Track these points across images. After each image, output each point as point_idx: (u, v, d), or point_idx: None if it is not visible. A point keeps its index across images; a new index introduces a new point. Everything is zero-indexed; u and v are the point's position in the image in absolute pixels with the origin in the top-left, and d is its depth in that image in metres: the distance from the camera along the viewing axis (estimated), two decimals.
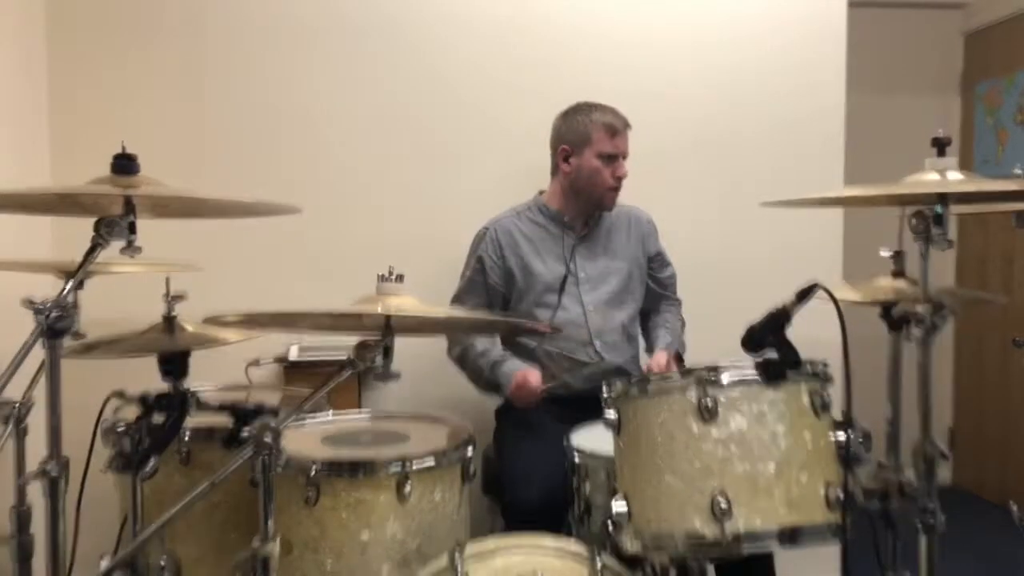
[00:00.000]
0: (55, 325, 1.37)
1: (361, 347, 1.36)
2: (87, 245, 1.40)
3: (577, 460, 1.80)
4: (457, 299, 2.35)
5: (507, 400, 2.24)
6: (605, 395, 1.51)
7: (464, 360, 2.32)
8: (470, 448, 1.77)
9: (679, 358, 2.27)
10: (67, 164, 2.54)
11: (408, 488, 1.62)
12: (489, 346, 2.30)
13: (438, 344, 2.41)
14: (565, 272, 2.30)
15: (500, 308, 2.34)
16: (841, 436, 1.41)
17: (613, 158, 2.26)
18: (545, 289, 2.30)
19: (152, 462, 1.54)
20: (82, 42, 2.59)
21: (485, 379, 2.27)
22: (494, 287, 2.33)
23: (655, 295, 2.46)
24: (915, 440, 1.53)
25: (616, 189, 2.29)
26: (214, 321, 1.54)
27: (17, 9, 2.44)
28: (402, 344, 1.41)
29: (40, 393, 1.51)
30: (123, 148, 1.50)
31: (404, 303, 1.40)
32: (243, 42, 2.64)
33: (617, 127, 2.27)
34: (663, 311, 2.47)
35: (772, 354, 1.41)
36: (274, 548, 1.31)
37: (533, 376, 2.15)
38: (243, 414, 1.47)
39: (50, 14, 2.57)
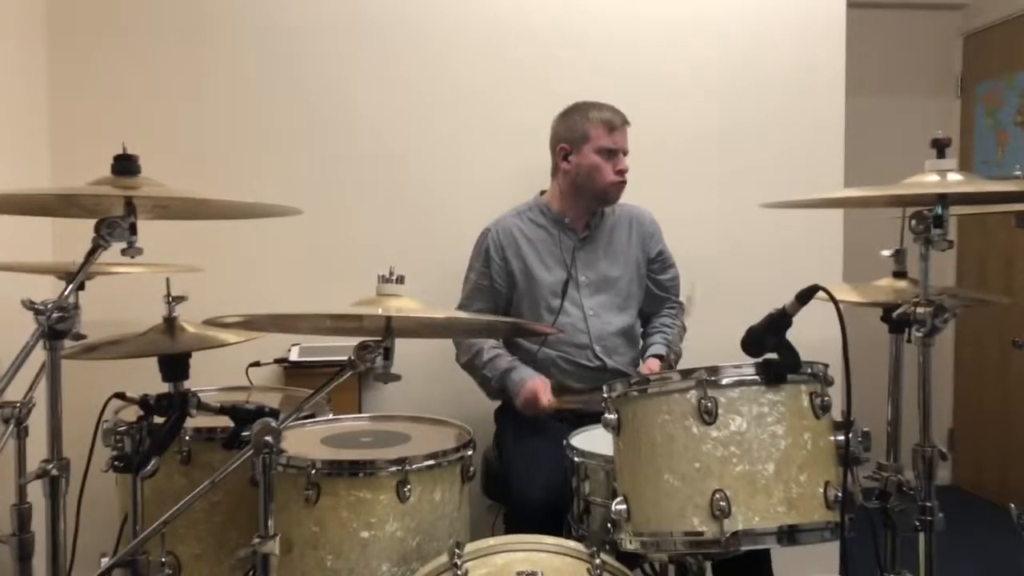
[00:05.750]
0: (56, 326, 1.37)
1: (361, 348, 1.36)
2: (88, 246, 1.41)
3: (577, 460, 1.80)
4: (464, 305, 2.34)
5: (514, 407, 2.23)
6: (605, 396, 1.52)
7: (473, 367, 2.31)
8: (470, 449, 1.77)
9: (670, 368, 2.25)
10: (67, 165, 2.54)
11: (408, 488, 1.62)
12: (497, 352, 2.27)
13: (438, 345, 2.41)
14: (566, 276, 2.30)
15: (503, 310, 2.34)
16: (841, 437, 1.42)
17: (613, 153, 2.26)
18: (546, 293, 2.30)
19: (152, 463, 1.54)
20: (82, 42, 2.59)
21: (493, 387, 2.27)
22: (498, 290, 2.32)
23: (656, 298, 2.45)
24: (915, 440, 1.54)
25: (621, 183, 2.28)
26: (214, 323, 1.54)
27: (17, 9, 2.44)
28: (403, 345, 1.41)
29: (41, 394, 1.52)
30: (124, 149, 1.50)
31: (404, 304, 1.40)
32: (243, 43, 2.64)
33: (615, 123, 2.26)
34: (663, 315, 2.45)
35: (773, 355, 1.41)
36: (274, 546, 1.31)
37: (544, 393, 2.12)
38: (243, 416, 1.48)
39: (50, 14, 2.57)
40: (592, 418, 1.54)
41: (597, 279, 2.34)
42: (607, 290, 2.34)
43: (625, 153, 2.29)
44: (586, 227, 2.36)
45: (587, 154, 2.26)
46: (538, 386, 2.14)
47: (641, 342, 2.44)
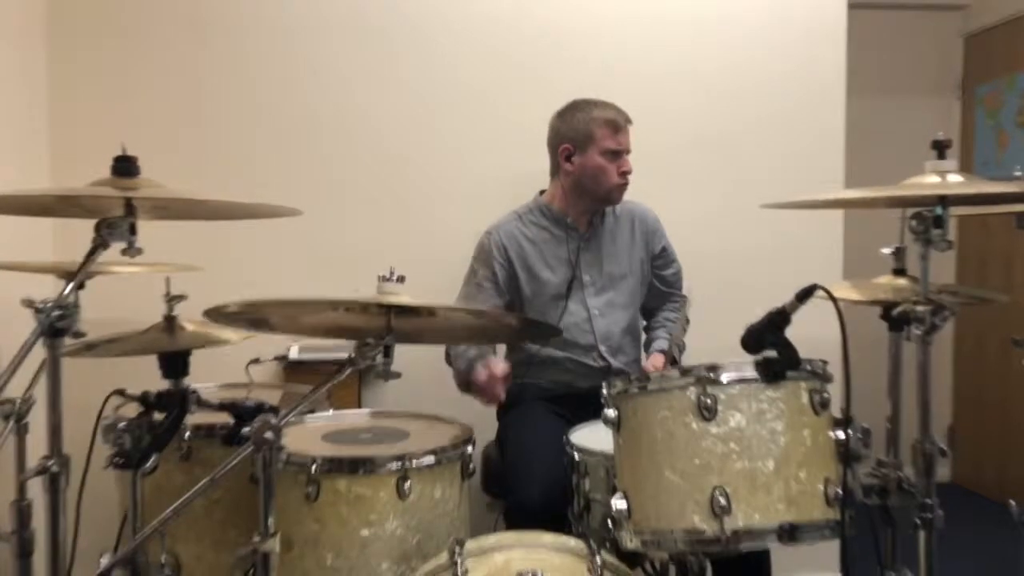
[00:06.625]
0: (56, 324, 1.37)
1: (362, 346, 1.36)
2: (88, 246, 1.41)
3: (577, 457, 1.80)
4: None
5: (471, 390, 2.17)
6: (605, 393, 1.52)
7: (449, 360, 2.28)
8: (470, 446, 1.77)
9: (674, 362, 2.24)
10: (67, 166, 2.54)
11: (408, 485, 1.62)
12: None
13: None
14: (571, 277, 2.29)
15: None
16: (840, 434, 1.42)
17: (617, 154, 2.23)
18: (551, 295, 2.28)
19: (152, 460, 1.54)
20: (82, 42, 2.59)
21: (461, 371, 2.19)
22: (500, 294, 2.31)
23: (659, 293, 2.44)
24: (915, 438, 1.54)
25: (624, 184, 2.27)
26: (215, 312, 1.53)
27: (17, 9, 2.45)
28: (403, 344, 1.42)
29: (41, 391, 1.52)
30: (123, 150, 1.50)
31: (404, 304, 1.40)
32: (243, 43, 2.65)
33: (619, 123, 2.24)
34: (665, 309, 2.45)
35: (772, 353, 1.41)
36: (274, 544, 1.31)
37: (496, 366, 2.07)
38: (243, 413, 1.48)
39: (50, 14, 2.57)
40: (591, 411, 1.53)
41: (601, 279, 2.33)
42: (611, 289, 2.33)
43: (628, 153, 2.27)
44: (588, 226, 2.35)
45: (592, 156, 2.23)
46: (491, 363, 2.08)
47: (644, 337, 2.44)
